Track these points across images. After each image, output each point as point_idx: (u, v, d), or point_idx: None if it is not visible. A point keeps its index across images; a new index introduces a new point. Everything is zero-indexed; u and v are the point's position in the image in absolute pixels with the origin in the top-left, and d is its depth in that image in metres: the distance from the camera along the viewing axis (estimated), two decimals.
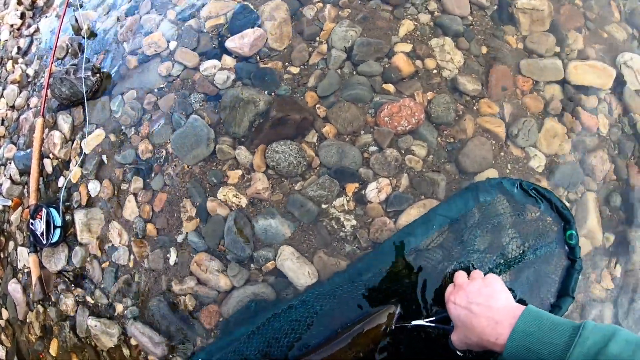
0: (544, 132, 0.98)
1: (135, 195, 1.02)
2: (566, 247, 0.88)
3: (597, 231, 0.96)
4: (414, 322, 0.78)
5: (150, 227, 0.99)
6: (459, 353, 0.73)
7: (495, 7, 1.07)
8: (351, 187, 0.91)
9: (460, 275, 0.75)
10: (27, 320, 1.17)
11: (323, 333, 0.82)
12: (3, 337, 1.26)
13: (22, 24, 1.54)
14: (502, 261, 0.86)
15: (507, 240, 0.87)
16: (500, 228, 0.87)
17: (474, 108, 0.97)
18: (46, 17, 1.50)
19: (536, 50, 1.05)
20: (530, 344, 0.56)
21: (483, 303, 0.65)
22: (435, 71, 0.99)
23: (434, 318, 0.78)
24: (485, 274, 0.74)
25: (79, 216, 1.07)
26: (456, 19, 1.04)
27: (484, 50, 1.03)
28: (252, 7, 1.08)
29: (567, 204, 0.94)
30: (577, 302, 0.93)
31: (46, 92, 1.20)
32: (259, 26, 1.04)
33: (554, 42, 1.05)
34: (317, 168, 0.92)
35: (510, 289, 0.72)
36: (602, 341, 0.52)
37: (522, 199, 0.89)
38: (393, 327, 0.79)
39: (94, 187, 1.08)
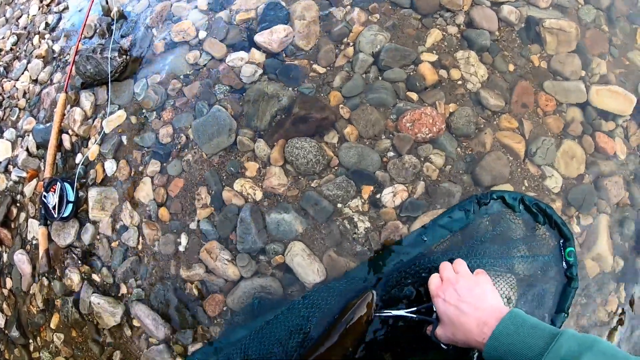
0: (562, 153, 0.99)
1: (151, 178, 1.03)
2: (564, 264, 0.88)
3: (608, 255, 0.96)
4: (395, 312, 0.78)
5: (163, 211, 1.00)
6: (443, 346, 0.73)
7: (523, 25, 1.08)
8: (367, 190, 0.92)
9: (447, 269, 0.75)
10: (31, 292, 1.18)
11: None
12: (5, 305, 1.27)
13: (51, 1, 1.56)
14: (498, 274, 0.85)
15: (504, 253, 0.87)
16: (499, 241, 0.87)
17: (495, 123, 0.98)
18: None
19: (561, 71, 1.05)
20: (508, 346, 0.57)
21: (473, 303, 0.66)
22: (459, 83, 1.00)
23: (415, 309, 0.77)
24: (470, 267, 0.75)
25: (93, 193, 1.08)
26: (483, 33, 1.05)
27: (511, 67, 1.03)
28: (283, 3, 1.09)
29: (577, 228, 0.95)
30: (581, 325, 0.93)
31: (71, 68, 1.21)
32: (288, 23, 1.05)
33: (579, 65, 1.06)
34: (336, 168, 0.93)
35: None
36: (577, 350, 0.52)
37: (523, 213, 0.89)
38: (372, 317, 0.78)
39: (110, 166, 1.09)
